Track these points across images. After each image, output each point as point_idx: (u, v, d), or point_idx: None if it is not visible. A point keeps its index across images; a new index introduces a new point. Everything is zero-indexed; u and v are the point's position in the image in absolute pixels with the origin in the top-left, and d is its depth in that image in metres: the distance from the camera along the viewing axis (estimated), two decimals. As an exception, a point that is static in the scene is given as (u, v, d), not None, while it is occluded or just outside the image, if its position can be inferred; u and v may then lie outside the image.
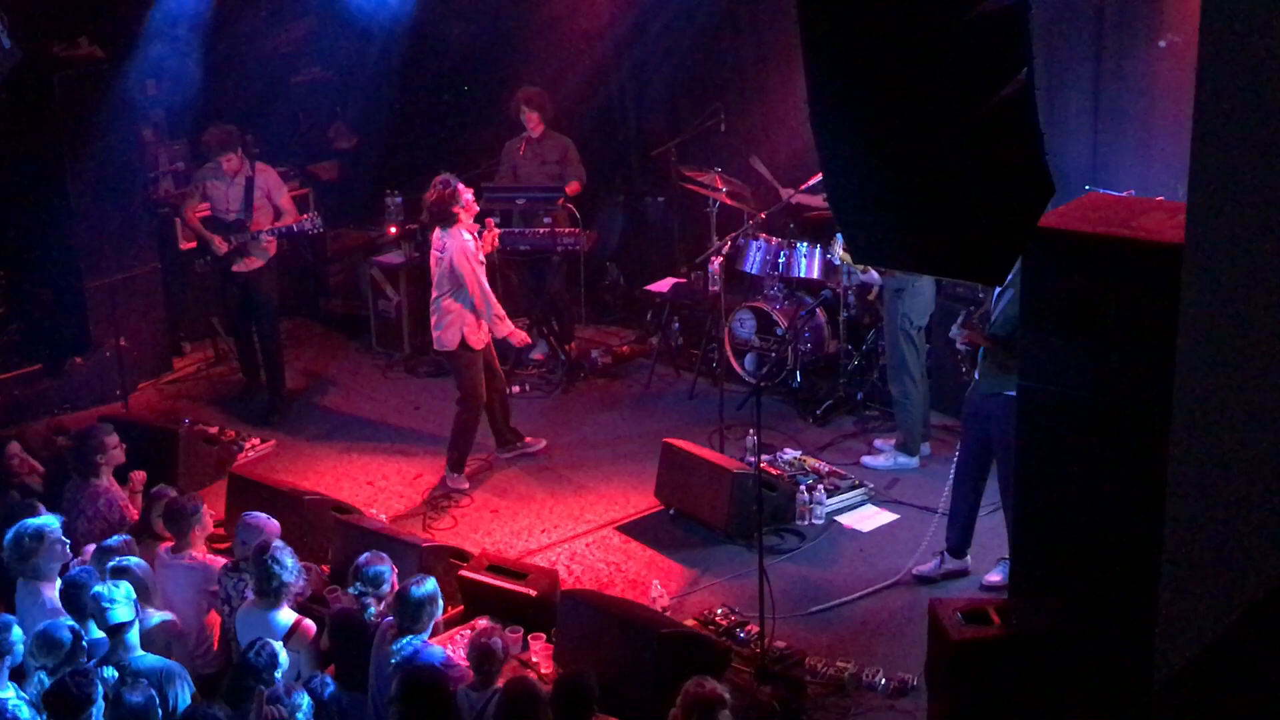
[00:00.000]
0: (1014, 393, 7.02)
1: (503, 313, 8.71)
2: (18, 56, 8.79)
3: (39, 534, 6.49)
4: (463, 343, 8.58)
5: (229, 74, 11.32)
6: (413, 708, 5.66)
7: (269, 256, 9.86)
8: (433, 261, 8.67)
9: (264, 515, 6.89)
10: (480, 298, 8.54)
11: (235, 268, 9.81)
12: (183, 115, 11.23)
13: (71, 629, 5.85)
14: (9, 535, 6.53)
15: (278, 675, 5.70)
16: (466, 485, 8.82)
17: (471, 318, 8.56)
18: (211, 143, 9.73)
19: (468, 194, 8.57)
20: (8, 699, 5.61)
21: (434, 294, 8.65)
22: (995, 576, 7.37)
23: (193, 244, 10.53)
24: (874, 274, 9.07)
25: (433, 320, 8.68)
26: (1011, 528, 7.10)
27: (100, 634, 5.98)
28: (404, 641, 6.05)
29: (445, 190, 8.49)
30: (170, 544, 6.89)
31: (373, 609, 6.32)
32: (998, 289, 7.16)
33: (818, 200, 9.85)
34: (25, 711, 5.58)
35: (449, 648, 6.36)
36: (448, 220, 8.50)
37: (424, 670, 5.84)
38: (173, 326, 10.97)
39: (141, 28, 10.32)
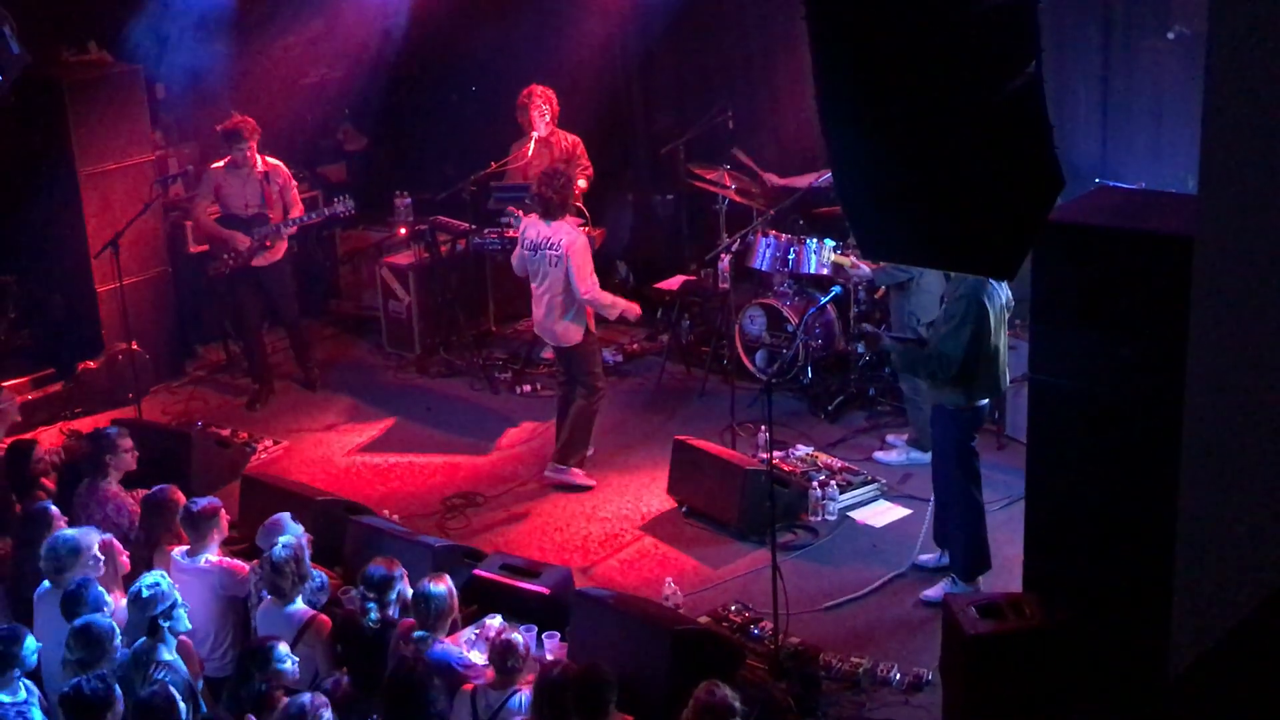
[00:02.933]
0: (943, 405, 7.10)
1: (615, 309, 8.70)
2: (27, 61, 8.81)
3: (76, 548, 6.50)
4: (586, 330, 8.61)
5: (238, 77, 11.34)
6: (396, 708, 5.65)
7: (285, 248, 10.00)
8: (525, 254, 8.58)
9: (285, 517, 6.91)
10: (598, 291, 8.53)
11: (256, 261, 9.88)
12: (193, 119, 11.26)
13: (104, 624, 5.86)
14: (46, 544, 6.54)
15: (281, 667, 5.72)
16: (592, 485, 8.80)
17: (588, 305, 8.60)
18: (241, 128, 9.73)
19: (579, 189, 8.61)
20: (25, 701, 5.64)
21: (548, 292, 8.52)
22: (933, 592, 7.33)
23: (202, 248, 10.57)
24: (864, 268, 9.05)
25: (542, 315, 8.60)
26: (951, 526, 7.26)
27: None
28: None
29: (569, 179, 8.50)
30: (184, 547, 6.90)
31: (374, 614, 6.32)
32: (942, 293, 7.20)
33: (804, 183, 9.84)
34: (36, 713, 5.61)
35: (462, 647, 6.37)
36: (560, 212, 8.45)
37: (407, 673, 5.79)
38: (184, 330, 11.00)
39: (150, 32, 10.35)
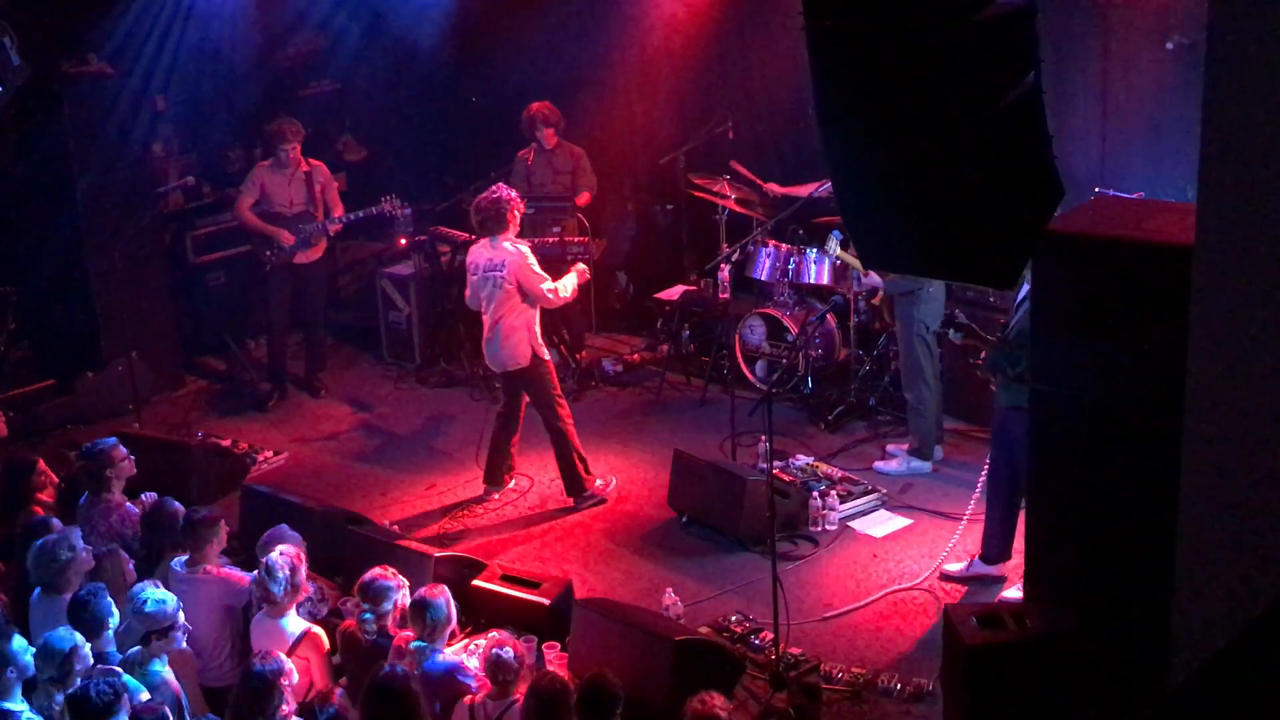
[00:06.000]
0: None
1: (569, 289, 8.53)
2: (27, 73, 8.82)
3: (67, 545, 6.53)
4: (534, 355, 8.50)
5: (238, 88, 11.36)
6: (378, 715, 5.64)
7: (324, 248, 10.35)
8: (473, 280, 8.49)
9: (283, 528, 6.91)
10: (556, 290, 8.42)
11: (298, 259, 10.16)
12: (192, 130, 11.28)
13: (72, 640, 5.85)
14: (34, 546, 6.57)
15: (285, 684, 5.70)
16: (610, 484, 8.80)
17: (538, 327, 8.50)
18: (286, 130, 10.07)
19: (520, 205, 8.47)
20: (20, 712, 5.62)
21: (493, 315, 8.42)
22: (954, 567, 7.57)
23: (207, 258, 10.62)
24: (875, 277, 9.07)
25: (488, 339, 8.51)
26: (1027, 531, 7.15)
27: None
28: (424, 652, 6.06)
29: (506, 195, 8.38)
30: (184, 556, 6.89)
31: (372, 624, 6.31)
32: (1018, 298, 7.14)
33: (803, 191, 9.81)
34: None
35: (463, 658, 6.36)
36: (499, 227, 8.35)
37: (390, 679, 5.78)
38: (184, 340, 11.01)
39: (150, 44, 10.38)
